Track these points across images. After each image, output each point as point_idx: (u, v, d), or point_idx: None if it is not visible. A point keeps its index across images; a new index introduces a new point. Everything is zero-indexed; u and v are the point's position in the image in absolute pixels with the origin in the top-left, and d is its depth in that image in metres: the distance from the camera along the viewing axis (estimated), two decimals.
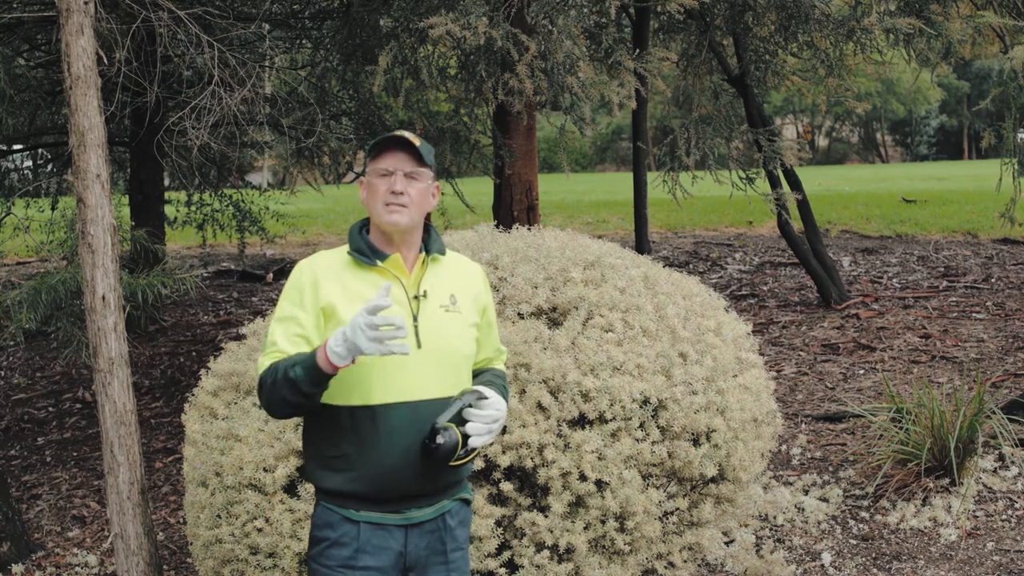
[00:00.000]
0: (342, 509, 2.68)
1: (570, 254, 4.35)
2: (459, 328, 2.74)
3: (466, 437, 2.60)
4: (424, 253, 2.75)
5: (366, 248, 2.71)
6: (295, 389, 2.54)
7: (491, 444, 3.70)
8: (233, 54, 5.68)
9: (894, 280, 10.35)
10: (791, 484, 5.37)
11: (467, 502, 2.83)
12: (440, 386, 2.69)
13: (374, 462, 2.63)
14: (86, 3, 4.10)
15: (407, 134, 2.70)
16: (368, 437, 2.64)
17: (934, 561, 4.58)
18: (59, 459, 6.81)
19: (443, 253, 2.80)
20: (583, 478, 3.78)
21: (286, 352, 2.63)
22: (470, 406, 2.62)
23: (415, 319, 2.68)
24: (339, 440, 2.66)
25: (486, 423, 2.61)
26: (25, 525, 5.55)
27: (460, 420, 2.61)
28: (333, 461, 2.67)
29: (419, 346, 2.66)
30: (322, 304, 2.65)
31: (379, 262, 2.69)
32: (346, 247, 2.76)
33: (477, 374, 2.88)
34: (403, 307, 2.68)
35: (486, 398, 2.64)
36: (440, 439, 2.57)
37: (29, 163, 11.49)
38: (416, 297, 2.70)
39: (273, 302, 10.20)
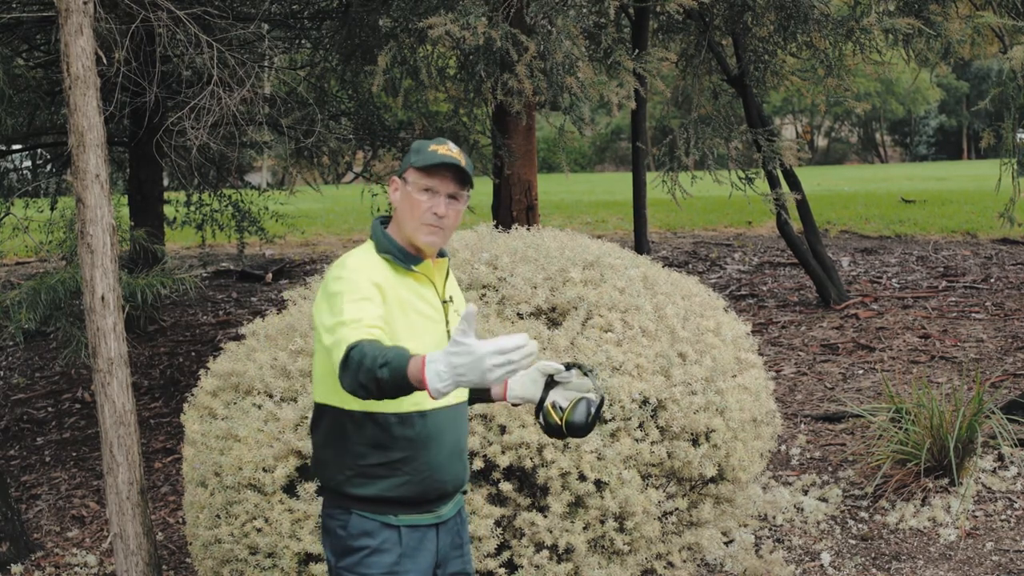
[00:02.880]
0: (380, 516, 2.64)
1: (569, 254, 4.35)
2: None
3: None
4: (444, 258, 2.75)
5: (398, 252, 2.66)
6: (378, 386, 2.32)
7: (490, 444, 3.70)
8: (232, 54, 5.68)
9: (893, 280, 10.36)
10: (790, 484, 5.37)
11: (465, 492, 2.87)
12: (464, 390, 2.74)
13: (424, 466, 2.62)
14: (85, 3, 4.10)
15: (455, 152, 2.64)
16: (418, 442, 2.62)
17: (933, 561, 4.58)
18: (58, 459, 6.81)
19: (446, 256, 2.81)
20: (582, 478, 3.78)
21: (358, 320, 2.44)
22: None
23: (447, 324, 2.70)
24: (388, 447, 2.61)
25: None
26: (24, 525, 5.55)
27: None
28: (377, 468, 2.62)
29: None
30: (376, 280, 2.55)
31: (414, 267, 2.66)
32: (369, 247, 2.69)
33: None
34: (437, 312, 2.68)
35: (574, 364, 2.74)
36: (592, 408, 2.68)
37: (28, 163, 11.48)
38: (444, 302, 2.72)
39: (273, 302, 10.21)
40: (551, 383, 2.72)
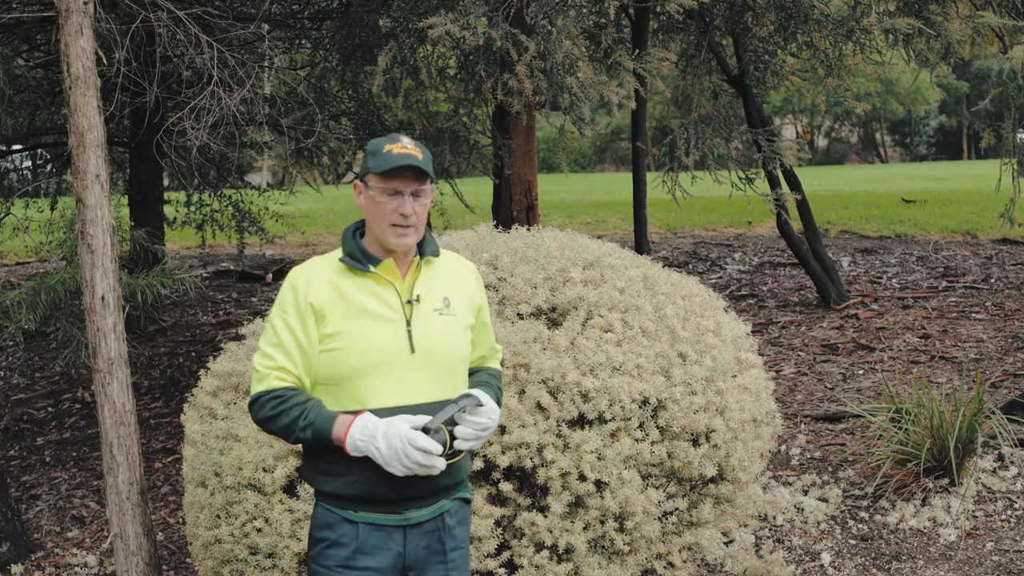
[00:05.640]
0: (341, 510, 2.68)
1: (569, 254, 4.35)
2: (453, 331, 2.74)
3: (454, 439, 2.62)
4: (418, 256, 2.74)
5: (359, 254, 2.69)
6: (293, 439, 2.63)
7: (490, 444, 3.70)
8: (232, 54, 5.68)
9: (893, 280, 10.36)
10: (790, 484, 5.37)
11: (467, 501, 2.83)
12: (435, 389, 2.70)
13: (372, 466, 2.61)
14: (85, 3, 4.10)
15: (410, 147, 2.65)
16: None
17: (933, 561, 4.58)
18: (58, 459, 6.81)
19: (437, 255, 2.78)
20: (582, 478, 3.78)
21: (285, 369, 2.64)
22: (464, 411, 2.63)
23: (408, 324, 2.68)
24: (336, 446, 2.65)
25: (476, 429, 2.63)
26: (24, 525, 5.55)
27: (453, 423, 2.64)
28: (330, 466, 2.67)
29: (412, 351, 2.66)
30: (311, 301, 2.64)
31: (372, 267, 2.67)
32: (338, 253, 2.74)
33: (472, 372, 2.89)
34: (396, 312, 2.67)
35: (482, 405, 2.64)
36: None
37: (28, 163, 11.49)
38: (409, 302, 2.69)
39: (272, 302, 10.20)
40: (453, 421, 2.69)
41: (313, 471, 2.73)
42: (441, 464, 2.51)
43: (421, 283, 2.73)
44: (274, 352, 2.65)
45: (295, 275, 2.70)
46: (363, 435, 2.52)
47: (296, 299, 2.66)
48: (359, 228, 2.76)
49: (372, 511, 2.67)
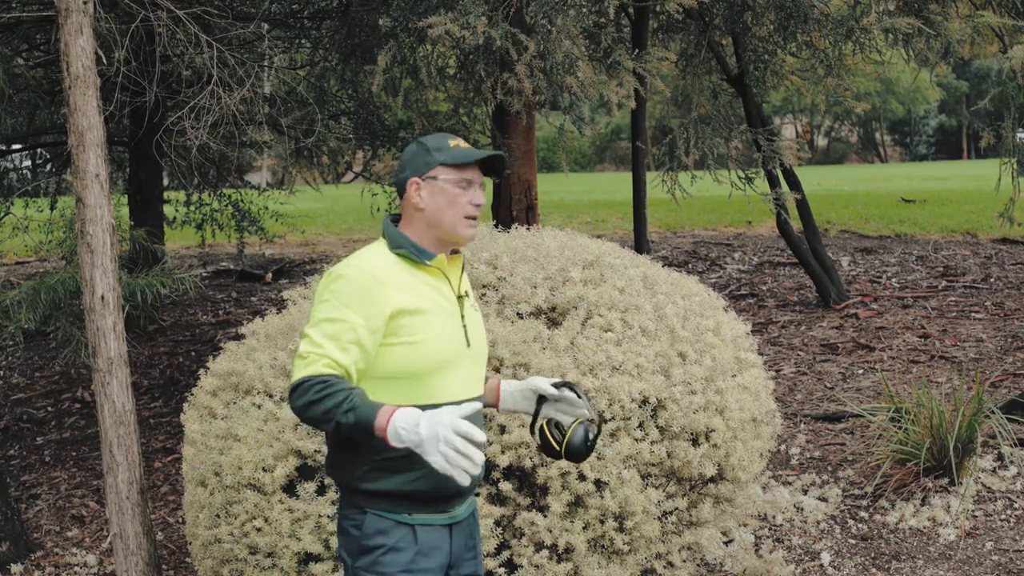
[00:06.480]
0: (394, 514, 2.64)
1: (569, 254, 4.35)
2: (482, 324, 2.83)
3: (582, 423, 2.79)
4: (459, 254, 2.77)
5: (413, 248, 2.67)
6: (335, 427, 2.47)
7: (490, 443, 3.71)
8: (232, 54, 5.67)
9: (893, 280, 10.36)
10: (790, 484, 5.37)
11: (477, 493, 2.92)
12: (480, 384, 2.77)
13: None
14: (85, 3, 4.10)
15: (490, 150, 2.76)
16: None
17: (933, 561, 4.58)
18: (58, 459, 6.81)
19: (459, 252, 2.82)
20: (582, 478, 3.78)
21: (336, 360, 2.53)
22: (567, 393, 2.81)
23: (463, 319, 2.71)
24: None
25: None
26: (24, 525, 5.55)
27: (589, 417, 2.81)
28: (393, 462, 2.61)
29: (468, 345, 2.70)
30: (380, 295, 2.58)
31: (427, 261, 2.67)
32: (381, 245, 2.70)
33: None
34: (453, 306, 2.69)
35: (568, 383, 2.80)
36: (591, 433, 2.76)
37: (28, 163, 11.49)
38: (459, 297, 2.73)
39: (273, 302, 10.20)
40: (543, 399, 2.81)
41: (365, 469, 2.65)
42: (479, 456, 2.38)
43: (463, 281, 2.79)
44: (325, 342, 2.54)
45: (355, 267, 2.61)
46: (406, 423, 2.40)
47: (358, 291, 2.57)
48: (396, 220, 2.74)
49: (426, 511, 2.66)
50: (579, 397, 2.77)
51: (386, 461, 2.62)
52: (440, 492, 2.65)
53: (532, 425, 2.83)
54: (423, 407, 2.54)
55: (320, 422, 2.51)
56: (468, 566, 2.77)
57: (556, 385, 2.78)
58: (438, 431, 2.36)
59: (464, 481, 2.36)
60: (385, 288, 2.59)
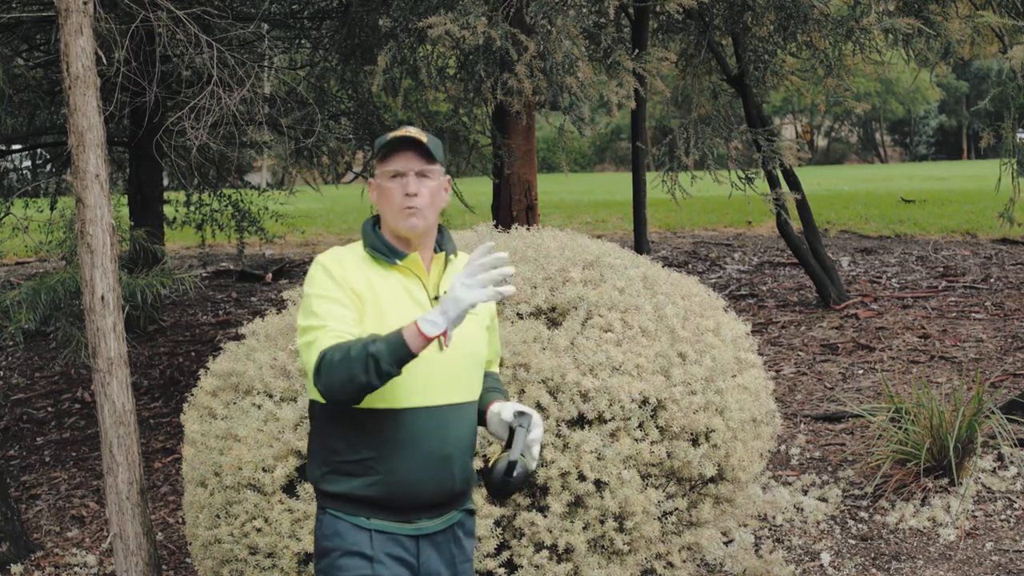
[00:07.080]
0: (351, 516, 2.60)
1: (569, 254, 4.35)
2: (476, 330, 2.69)
3: (522, 463, 2.57)
4: (443, 252, 2.70)
5: (383, 246, 2.64)
6: (372, 365, 2.38)
7: (489, 444, 3.70)
8: (232, 54, 5.67)
9: (893, 280, 10.35)
10: (790, 484, 5.37)
11: (472, 512, 2.79)
12: (461, 390, 2.64)
13: (394, 468, 2.56)
14: (85, 3, 4.10)
15: (413, 131, 2.61)
16: (390, 442, 2.57)
17: (933, 561, 4.58)
18: (58, 459, 6.81)
19: (455, 254, 2.74)
20: (582, 478, 3.78)
21: (345, 331, 2.49)
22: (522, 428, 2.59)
23: None
24: (357, 444, 2.58)
25: (536, 447, 2.60)
26: (24, 525, 5.55)
27: (526, 447, 2.59)
28: (347, 465, 2.59)
29: (441, 349, 2.55)
30: (351, 285, 2.57)
31: (398, 261, 2.62)
32: (358, 244, 2.69)
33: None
34: (425, 308, 2.59)
35: (530, 416, 2.61)
36: (516, 472, 2.54)
37: (28, 163, 11.49)
38: (436, 298, 2.64)
39: (272, 302, 10.20)
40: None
41: (324, 471, 2.63)
42: (503, 256, 2.33)
43: (445, 280, 2.68)
44: (320, 320, 2.52)
45: (327, 260, 2.61)
46: (430, 314, 2.36)
47: (334, 279, 2.57)
48: (377, 222, 2.71)
49: (385, 518, 2.60)
50: (526, 432, 2.58)
51: (341, 463, 2.59)
52: (399, 500, 2.59)
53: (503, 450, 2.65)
54: (383, 411, 2.53)
55: (357, 376, 2.40)
56: None
57: (517, 413, 2.62)
58: (455, 286, 2.34)
59: (511, 291, 2.31)
60: (347, 270, 2.58)
